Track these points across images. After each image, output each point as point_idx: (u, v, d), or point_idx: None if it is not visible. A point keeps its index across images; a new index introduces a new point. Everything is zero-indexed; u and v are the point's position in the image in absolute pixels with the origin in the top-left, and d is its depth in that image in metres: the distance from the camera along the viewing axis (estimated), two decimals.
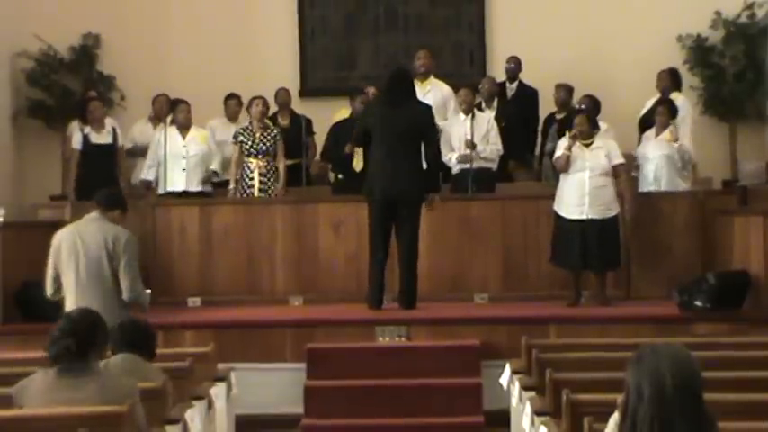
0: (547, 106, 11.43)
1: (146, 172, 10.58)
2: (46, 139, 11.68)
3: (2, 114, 11.87)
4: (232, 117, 11.28)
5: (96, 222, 6.57)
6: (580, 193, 8.96)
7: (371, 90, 10.61)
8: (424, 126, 8.85)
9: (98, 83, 12.13)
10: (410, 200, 8.74)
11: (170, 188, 10.34)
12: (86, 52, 12.25)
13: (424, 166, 8.95)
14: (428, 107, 9.38)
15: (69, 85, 12.04)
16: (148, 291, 6.77)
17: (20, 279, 8.82)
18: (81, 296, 6.42)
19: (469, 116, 10.25)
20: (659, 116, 10.11)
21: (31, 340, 7.81)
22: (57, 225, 9.47)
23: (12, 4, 11.87)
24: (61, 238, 6.58)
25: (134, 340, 5.45)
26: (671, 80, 10.82)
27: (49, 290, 6.62)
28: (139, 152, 10.99)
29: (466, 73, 12.10)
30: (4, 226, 8.86)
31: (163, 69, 12.02)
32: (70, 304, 6.38)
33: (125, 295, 6.47)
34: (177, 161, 10.37)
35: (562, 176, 9.16)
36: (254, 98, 10.46)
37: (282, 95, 11.34)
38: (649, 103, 10.72)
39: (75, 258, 6.48)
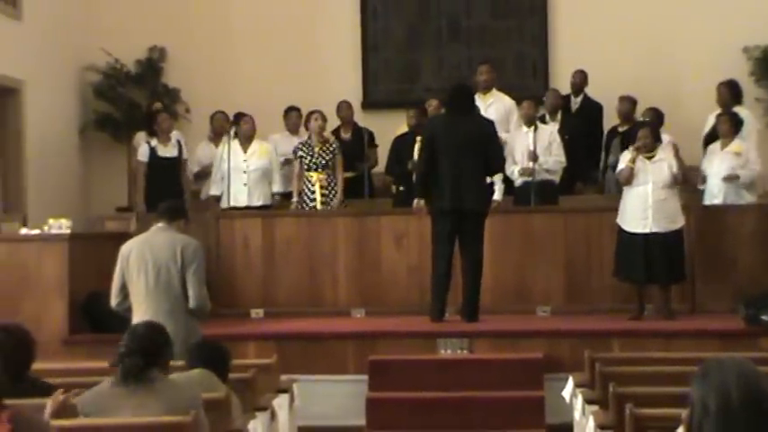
0: (609, 118, 11.36)
1: (213, 187, 10.65)
2: (112, 151, 11.84)
3: (70, 127, 12.07)
4: (293, 129, 11.31)
5: (165, 232, 6.66)
6: (643, 207, 8.89)
7: (434, 103, 10.60)
8: (488, 139, 8.86)
9: (163, 95, 12.27)
10: (475, 212, 8.76)
11: (233, 203, 10.41)
12: (152, 65, 12.41)
13: (488, 179, 8.96)
14: (490, 121, 9.41)
15: (135, 97, 12.21)
16: None
17: (87, 290, 8.92)
18: (149, 304, 6.53)
19: (532, 128, 10.23)
20: (721, 128, 9.99)
21: (97, 351, 7.91)
22: (123, 237, 9.62)
23: (80, 20, 12.09)
24: (130, 249, 6.68)
25: (210, 359, 5.54)
26: (730, 93, 10.63)
27: (114, 300, 6.72)
28: (206, 174, 11.06)
29: (529, 85, 12.07)
30: (72, 237, 8.95)
31: (227, 82, 12.16)
32: (138, 313, 6.49)
33: (191, 303, 6.56)
34: (238, 175, 10.45)
35: (625, 189, 9.09)
36: (312, 112, 10.50)
37: (345, 109, 11.38)
38: (711, 118, 10.59)
39: (144, 267, 6.58)
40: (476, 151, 8.77)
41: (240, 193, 10.46)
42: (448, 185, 8.74)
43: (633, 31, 12.05)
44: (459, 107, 8.96)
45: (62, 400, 4.36)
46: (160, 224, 6.72)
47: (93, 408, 4.72)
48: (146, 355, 4.68)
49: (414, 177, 9.55)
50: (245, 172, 10.50)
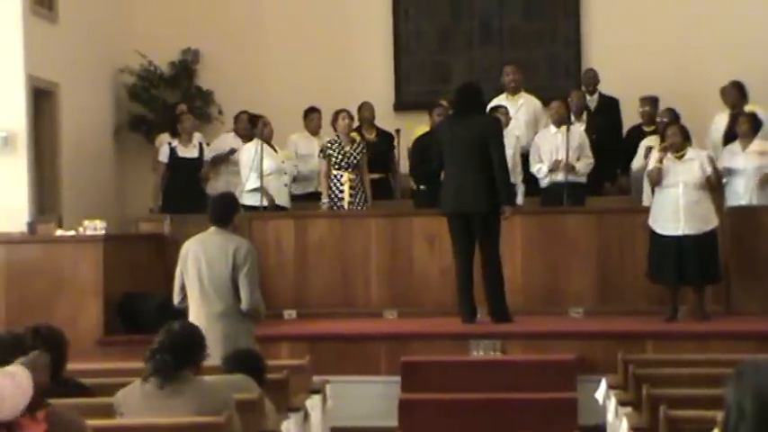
0: (629, 113, 11.28)
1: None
2: (146, 152, 11.85)
3: (105, 129, 12.12)
4: (314, 131, 11.23)
5: (220, 234, 6.70)
6: (674, 208, 8.80)
7: (445, 103, 10.59)
8: (489, 136, 8.74)
9: (196, 97, 12.30)
10: (480, 212, 8.66)
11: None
12: (186, 67, 12.43)
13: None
14: (494, 118, 9.42)
15: (169, 99, 12.23)
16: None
17: (121, 291, 8.96)
18: (203, 306, 6.60)
19: (562, 129, 10.20)
20: (742, 128, 9.92)
21: (132, 352, 7.91)
22: (156, 238, 9.75)
23: (115, 22, 12.14)
24: (187, 249, 6.73)
25: (249, 366, 5.61)
26: (739, 93, 10.62)
27: (176, 298, 6.80)
28: (220, 161, 11.05)
29: (561, 86, 11.92)
30: (106, 238, 9.00)
31: (260, 84, 12.15)
32: (193, 313, 6.58)
33: (243, 305, 6.59)
34: (280, 176, 10.48)
35: (656, 190, 9.01)
36: (339, 111, 10.47)
37: (366, 110, 11.30)
38: (721, 119, 10.58)
39: (199, 269, 6.63)
40: (477, 152, 8.67)
41: (281, 193, 10.48)
42: (452, 188, 8.73)
43: (666, 33, 11.93)
44: (462, 108, 8.93)
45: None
46: (216, 226, 6.75)
47: (126, 407, 4.77)
48: (176, 354, 4.71)
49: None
50: (285, 173, 10.54)
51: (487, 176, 8.71)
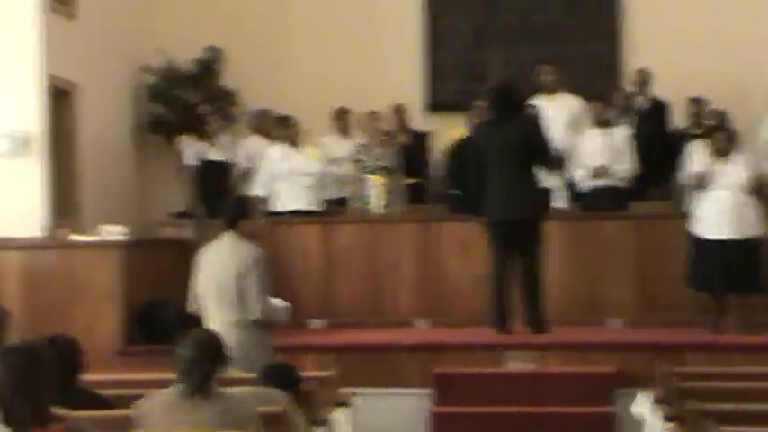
0: (680, 118, 11.09)
1: (260, 188, 10.38)
2: (167, 154, 11.74)
3: (124, 130, 11.98)
4: (344, 132, 11.15)
5: (230, 241, 6.67)
6: (720, 211, 8.66)
7: (481, 103, 10.33)
8: (530, 135, 8.62)
9: (219, 97, 12.12)
10: (524, 219, 8.54)
11: (292, 207, 10.29)
12: (208, 66, 12.26)
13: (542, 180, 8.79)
14: (531, 115, 9.32)
15: (191, 99, 12.06)
16: (288, 304, 6.88)
17: (143, 298, 8.84)
18: (215, 314, 6.58)
19: (603, 131, 10.04)
20: None
21: (153, 362, 7.89)
22: (179, 243, 9.57)
23: (135, 19, 12.05)
24: (202, 256, 6.76)
25: (285, 381, 5.56)
26: None
27: (192, 306, 6.81)
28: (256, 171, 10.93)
29: (600, 85, 11.72)
30: (127, 244, 8.88)
31: (285, 83, 12.00)
32: (207, 321, 6.55)
33: (253, 314, 6.55)
34: (299, 178, 10.34)
35: (701, 194, 8.83)
36: (370, 113, 10.45)
37: (399, 111, 11.22)
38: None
39: (211, 275, 6.62)
40: (518, 156, 8.54)
41: (301, 197, 10.32)
42: (494, 196, 8.59)
43: (709, 31, 11.69)
44: (498, 112, 8.75)
45: None
46: (227, 232, 6.72)
47: (146, 418, 4.65)
48: (214, 359, 4.67)
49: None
50: (307, 175, 10.36)
51: (531, 181, 8.64)
